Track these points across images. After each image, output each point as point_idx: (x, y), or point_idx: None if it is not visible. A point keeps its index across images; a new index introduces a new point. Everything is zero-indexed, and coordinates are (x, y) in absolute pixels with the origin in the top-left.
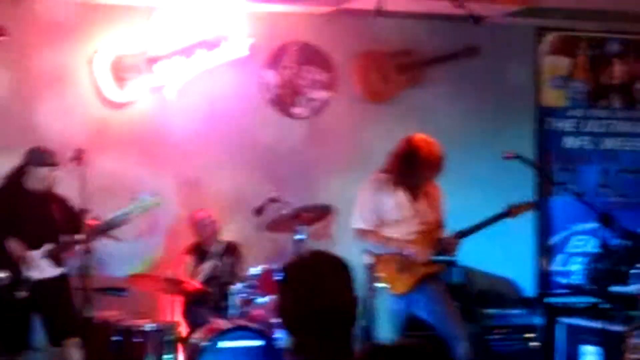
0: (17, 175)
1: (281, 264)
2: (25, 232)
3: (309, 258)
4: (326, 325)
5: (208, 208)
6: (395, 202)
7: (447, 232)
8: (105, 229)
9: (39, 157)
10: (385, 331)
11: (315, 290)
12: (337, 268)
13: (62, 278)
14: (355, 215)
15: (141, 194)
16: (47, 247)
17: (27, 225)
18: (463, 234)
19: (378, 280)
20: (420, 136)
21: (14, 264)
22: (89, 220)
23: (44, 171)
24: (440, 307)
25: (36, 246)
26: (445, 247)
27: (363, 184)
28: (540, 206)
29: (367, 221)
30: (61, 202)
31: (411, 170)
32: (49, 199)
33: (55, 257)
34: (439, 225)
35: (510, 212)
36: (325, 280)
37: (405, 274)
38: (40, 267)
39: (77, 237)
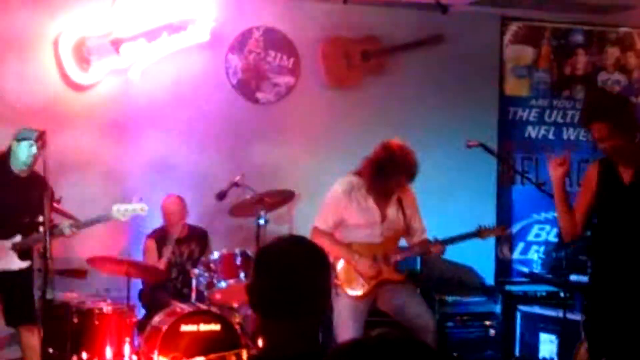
0: (4, 158)
1: (242, 248)
2: (0, 218)
3: (286, 242)
4: (292, 310)
5: (176, 193)
6: (363, 206)
7: (422, 235)
8: (82, 227)
9: (22, 133)
10: (346, 327)
11: (287, 274)
12: (313, 256)
13: (27, 269)
14: (319, 213)
15: (130, 200)
16: (17, 239)
17: (4, 211)
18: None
19: (336, 278)
20: (397, 143)
21: None
22: (54, 203)
23: (24, 146)
24: (403, 301)
25: (9, 233)
26: (426, 251)
27: (334, 183)
28: (508, 227)
29: (326, 223)
30: (43, 187)
31: (385, 177)
32: (33, 184)
33: (23, 251)
34: (407, 231)
35: (480, 233)
36: (299, 266)
37: (361, 279)
38: (7, 258)
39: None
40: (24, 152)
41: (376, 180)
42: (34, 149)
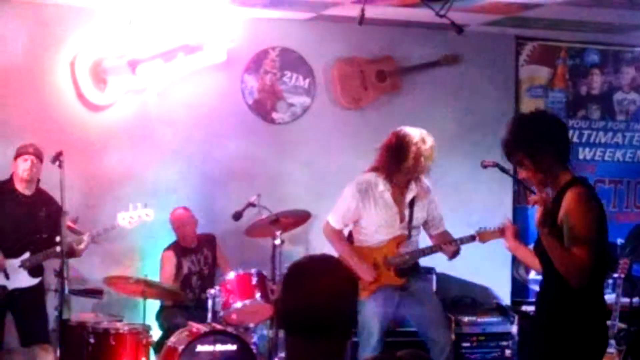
0: (10, 178)
1: (258, 268)
2: (8, 236)
3: (317, 261)
4: (316, 330)
5: (186, 207)
6: (380, 204)
7: (439, 228)
8: (94, 239)
9: (18, 150)
10: (367, 333)
11: (315, 294)
12: (343, 279)
13: (38, 285)
14: (333, 210)
15: (133, 206)
16: (26, 256)
17: (11, 229)
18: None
19: None
20: (410, 128)
21: None
22: (68, 222)
23: (20, 162)
24: (423, 311)
25: (18, 251)
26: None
27: (350, 183)
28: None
29: (338, 222)
30: (49, 204)
31: (402, 162)
32: (38, 202)
33: (33, 268)
34: (424, 224)
35: (479, 236)
36: (327, 287)
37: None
38: (17, 276)
39: (57, 247)
40: (19, 168)
41: (393, 167)
42: (28, 164)
